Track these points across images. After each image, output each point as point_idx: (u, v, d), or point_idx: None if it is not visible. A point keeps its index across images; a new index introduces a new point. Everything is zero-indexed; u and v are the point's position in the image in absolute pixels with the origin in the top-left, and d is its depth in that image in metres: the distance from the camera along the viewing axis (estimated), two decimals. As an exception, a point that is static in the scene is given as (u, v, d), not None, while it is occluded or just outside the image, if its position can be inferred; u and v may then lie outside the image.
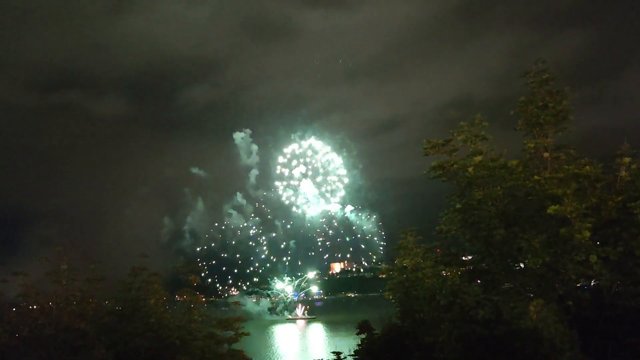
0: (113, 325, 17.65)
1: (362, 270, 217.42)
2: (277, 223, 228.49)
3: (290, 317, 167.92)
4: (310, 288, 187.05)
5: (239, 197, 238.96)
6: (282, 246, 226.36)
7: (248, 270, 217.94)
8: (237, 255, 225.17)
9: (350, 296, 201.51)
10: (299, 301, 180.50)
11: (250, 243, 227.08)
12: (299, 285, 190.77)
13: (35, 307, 17.82)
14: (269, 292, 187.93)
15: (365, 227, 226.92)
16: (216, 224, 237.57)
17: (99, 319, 17.69)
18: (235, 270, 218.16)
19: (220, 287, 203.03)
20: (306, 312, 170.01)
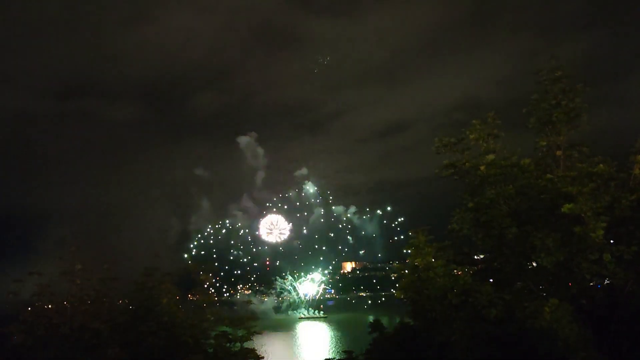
0: (127, 325, 17.78)
1: (370, 267, 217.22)
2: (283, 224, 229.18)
3: (302, 315, 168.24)
4: (317, 286, 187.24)
5: (245, 199, 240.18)
6: (288, 245, 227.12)
7: (253, 270, 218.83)
8: (242, 254, 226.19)
9: (362, 295, 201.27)
10: (312, 300, 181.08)
11: (254, 244, 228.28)
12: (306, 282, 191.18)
13: (50, 306, 18.00)
14: (278, 290, 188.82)
15: (368, 227, 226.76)
16: (225, 225, 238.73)
17: (113, 319, 17.83)
18: (240, 270, 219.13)
19: (227, 287, 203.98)
20: (317, 310, 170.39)
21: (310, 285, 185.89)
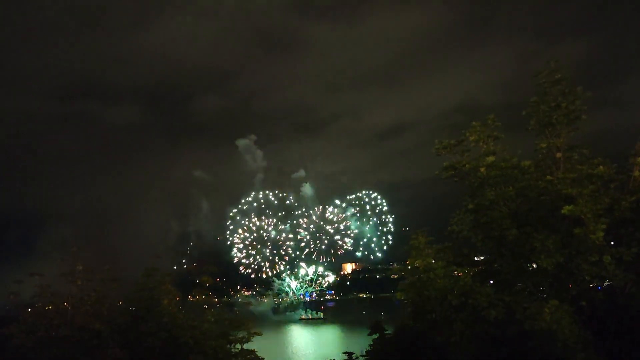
0: (127, 325, 17.81)
1: (370, 269, 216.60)
2: (281, 225, 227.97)
3: (302, 317, 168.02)
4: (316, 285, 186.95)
5: (244, 201, 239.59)
6: (286, 246, 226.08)
7: (249, 271, 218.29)
8: (239, 255, 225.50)
9: (362, 296, 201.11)
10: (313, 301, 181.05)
11: (253, 244, 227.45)
12: (310, 283, 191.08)
13: (50, 307, 18.04)
14: (275, 291, 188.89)
15: (368, 229, 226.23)
16: (225, 228, 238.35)
17: (113, 319, 17.86)
18: (240, 272, 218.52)
19: (226, 288, 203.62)
20: (316, 311, 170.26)
21: (306, 269, 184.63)
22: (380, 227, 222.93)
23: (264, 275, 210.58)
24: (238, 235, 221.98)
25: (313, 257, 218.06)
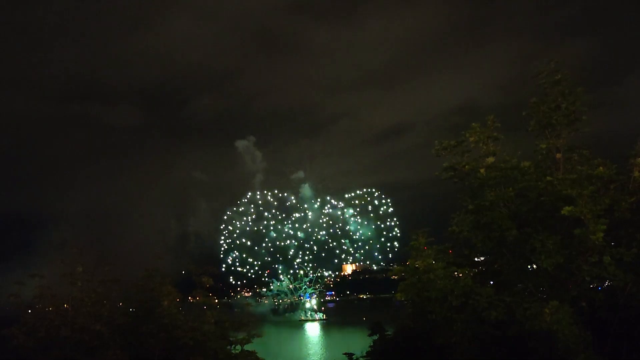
0: (127, 327, 17.82)
1: (371, 270, 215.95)
2: (279, 225, 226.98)
3: (302, 318, 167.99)
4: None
5: (243, 201, 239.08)
6: (286, 247, 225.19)
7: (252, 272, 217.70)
8: (238, 256, 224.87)
9: (363, 297, 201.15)
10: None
11: (252, 244, 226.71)
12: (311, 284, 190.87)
13: (51, 308, 18.04)
14: (274, 292, 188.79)
15: (367, 230, 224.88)
16: (223, 228, 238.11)
17: (114, 320, 17.86)
18: (239, 272, 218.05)
19: (225, 289, 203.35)
20: (316, 313, 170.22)
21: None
22: (384, 232, 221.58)
23: (263, 277, 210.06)
24: (234, 236, 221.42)
25: (312, 258, 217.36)
